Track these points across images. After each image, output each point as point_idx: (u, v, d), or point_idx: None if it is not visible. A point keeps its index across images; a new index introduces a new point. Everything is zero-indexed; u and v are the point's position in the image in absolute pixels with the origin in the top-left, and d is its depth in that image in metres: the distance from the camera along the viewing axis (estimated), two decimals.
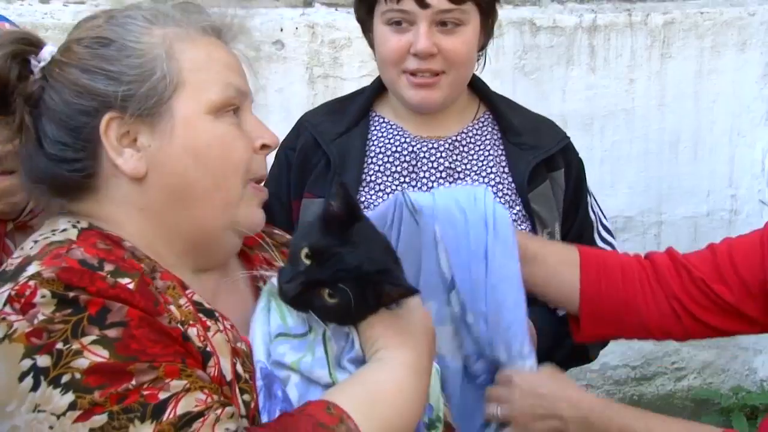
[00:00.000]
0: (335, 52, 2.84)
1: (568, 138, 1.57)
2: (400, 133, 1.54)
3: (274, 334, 0.95)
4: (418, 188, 1.49)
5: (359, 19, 1.55)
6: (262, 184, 1.06)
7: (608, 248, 1.57)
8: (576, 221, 1.56)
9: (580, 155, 1.62)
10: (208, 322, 0.92)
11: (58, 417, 0.80)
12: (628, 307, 1.35)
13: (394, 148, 1.53)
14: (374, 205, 1.43)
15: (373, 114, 1.57)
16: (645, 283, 1.36)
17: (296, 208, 1.51)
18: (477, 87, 1.58)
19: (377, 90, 1.58)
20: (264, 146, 1.02)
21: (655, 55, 3.34)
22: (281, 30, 2.94)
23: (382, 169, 1.52)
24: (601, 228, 1.59)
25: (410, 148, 1.52)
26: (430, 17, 1.40)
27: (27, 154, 0.98)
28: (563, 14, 3.25)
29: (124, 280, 0.86)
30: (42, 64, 0.97)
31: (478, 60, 1.53)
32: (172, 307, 0.89)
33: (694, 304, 1.32)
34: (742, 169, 3.54)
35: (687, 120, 3.43)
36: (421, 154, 1.51)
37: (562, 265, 1.35)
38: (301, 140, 1.55)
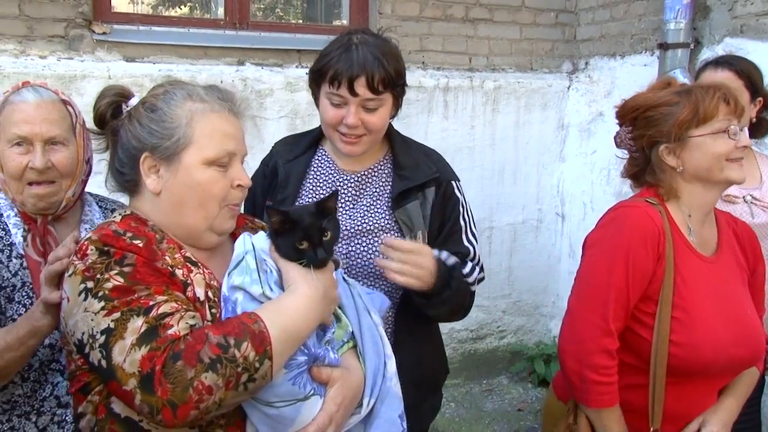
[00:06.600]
0: None
1: (438, 173, 1.83)
2: (331, 165, 1.86)
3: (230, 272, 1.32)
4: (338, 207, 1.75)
5: (312, 90, 1.85)
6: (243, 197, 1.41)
7: (470, 247, 1.85)
8: (447, 225, 1.83)
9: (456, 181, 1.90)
10: (192, 268, 1.29)
11: (95, 313, 1.16)
12: None
13: (324, 177, 1.85)
14: None
15: (320, 148, 1.90)
16: None
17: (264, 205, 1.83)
18: (389, 132, 1.88)
19: (323, 133, 1.89)
20: (239, 186, 1.35)
21: (488, 110, 4.00)
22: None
23: (313, 190, 1.85)
24: (468, 233, 1.87)
25: (333, 179, 1.84)
26: (357, 102, 1.71)
27: (111, 165, 1.38)
28: (425, 77, 3.85)
29: (137, 241, 1.24)
30: (128, 108, 1.35)
31: (391, 118, 1.85)
32: (167, 257, 1.27)
33: None
34: (545, 191, 4.28)
35: (509, 156, 4.11)
36: (339, 184, 1.84)
37: None
38: (272, 160, 1.91)
